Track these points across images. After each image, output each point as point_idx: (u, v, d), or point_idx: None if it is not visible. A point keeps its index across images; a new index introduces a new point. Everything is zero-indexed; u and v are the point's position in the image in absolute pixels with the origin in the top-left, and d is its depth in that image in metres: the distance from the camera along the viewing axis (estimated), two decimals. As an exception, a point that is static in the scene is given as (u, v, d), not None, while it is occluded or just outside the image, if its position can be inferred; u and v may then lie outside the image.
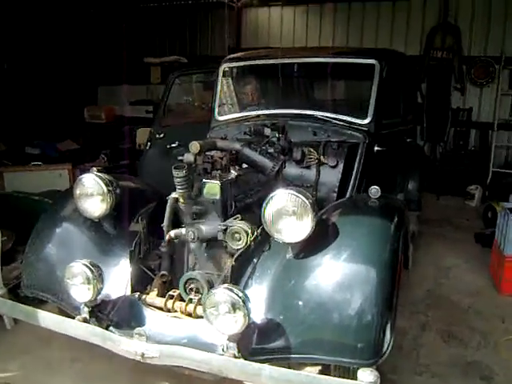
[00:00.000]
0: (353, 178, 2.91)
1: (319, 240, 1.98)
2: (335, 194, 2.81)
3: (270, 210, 1.93)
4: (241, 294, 1.72)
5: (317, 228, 1.94)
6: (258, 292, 1.98)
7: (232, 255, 2.13)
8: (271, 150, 2.85)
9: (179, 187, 2.18)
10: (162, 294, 2.17)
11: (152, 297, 2.16)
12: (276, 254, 2.07)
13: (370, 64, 3.10)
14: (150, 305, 2.13)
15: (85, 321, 2.00)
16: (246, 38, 8.35)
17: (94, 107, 7.07)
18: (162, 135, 4.30)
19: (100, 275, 1.99)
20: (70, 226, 2.35)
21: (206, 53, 8.55)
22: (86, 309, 2.02)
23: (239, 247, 2.13)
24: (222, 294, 1.73)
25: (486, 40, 7.01)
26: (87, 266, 1.95)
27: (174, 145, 4.13)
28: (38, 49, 6.92)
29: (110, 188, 2.21)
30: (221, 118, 3.49)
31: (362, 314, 1.81)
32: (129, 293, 2.15)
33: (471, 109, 7.14)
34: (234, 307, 1.71)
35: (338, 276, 1.90)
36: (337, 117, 3.11)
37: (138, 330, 1.86)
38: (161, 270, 2.26)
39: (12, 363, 2.62)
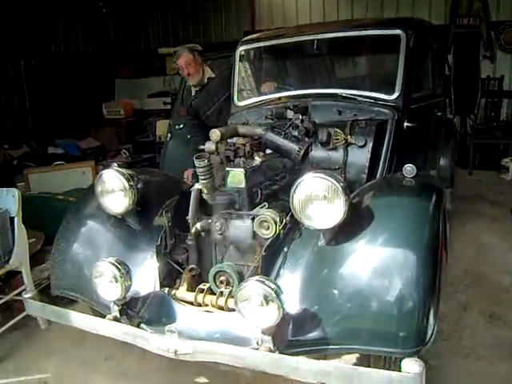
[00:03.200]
0: (383, 157, 2.77)
1: (353, 225, 1.87)
2: (365, 175, 2.68)
3: (298, 196, 1.82)
4: (273, 286, 1.63)
5: (350, 212, 1.83)
6: (291, 282, 1.89)
7: (261, 245, 2.04)
8: (295, 133, 2.74)
9: (202, 177, 2.10)
10: (191, 288, 2.10)
11: (182, 291, 2.10)
12: (307, 241, 1.98)
13: (396, 35, 2.92)
14: (180, 299, 2.07)
15: (115, 319, 1.96)
16: (260, 20, 8.14)
17: (112, 103, 7.04)
18: (181, 126, 4.23)
19: (127, 272, 1.94)
20: (94, 223, 2.30)
21: (220, 39, 8.39)
22: (116, 307, 1.98)
23: (268, 236, 2.04)
24: (254, 286, 1.64)
25: (515, 3, 6.63)
26: (113, 264, 1.90)
27: (193, 134, 4.04)
28: (54, 48, 6.94)
29: (132, 183, 2.14)
30: (240, 104, 3.38)
31: (402, 300, 1.70)
32: (158, 288, 2.10)
33: (502, 77, 6.79)
34: (267, 300, 1.63)
35: (375, 261, 1.78)
36: (362, 94, 2.96)
37: (169, 327, 1.80)
38: (189, 264, 2.20)
39: (47, 363, 2.64)
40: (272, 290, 1.62)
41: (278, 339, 1.72)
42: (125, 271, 1.92)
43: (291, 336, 1.77)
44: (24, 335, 2.81)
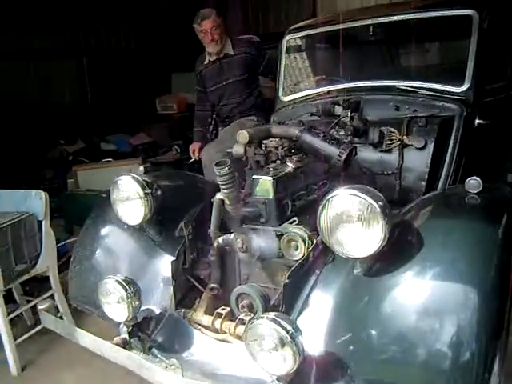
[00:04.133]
0: (447, 161, 2.35)
1: (397, 251, 1.53)
2: (424, 183, 2.30)
3: (326, 216, 1.51)
4: (289, 328, 1.35)
5: (395, 235, 1.51)
6: (318, 316, 1.59)
7: (290, 266, 1.76)
8: (342, 133, 2.41)
9: (223, 187, 1.85)
10: (210, 311, 1.88)
11: (199, 314, 1.88)
12: (341, 267, 1.66)
13: (466, 15, 2.45)
14: (196, 323, 1.86)
15: (124, 342, 1.78)
16: (322, 7, 7.64)
17: (165, 97, 6.93)
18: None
19: (136, 292, 1.75)
20: (112, 233, 2.15)
21: (279, 29, 7.99)
22: (125, 328, 1.81)
23: (296, 258, 1.75)
24: (266, 326, 1.37)
25: None
26: (120, 283, 1.72)
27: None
28: (112, 40, 7.01)
29: (147, 191, 1.93)
30: (286, 99, 3.08)
31: (458, 349, 1.35)
32: (173, 309, 1.90)
33: None
34: (282, 343, 1.35)
35: (425, 299, 1.44)
36: (425, 85, 2.54)
37: (172, 361, 1.59)
38: (210, 282, 1.97)
39: (69, 374, 2.55)
40: (287, 332, 1.33)
41: (298, 387, 1.44)
42: (133, 291, 1.74)
43: (314, 384, 1.48)
44: (52, 340, 2.72)
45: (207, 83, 3.76)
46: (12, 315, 2.63)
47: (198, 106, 3.98)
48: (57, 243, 3.39)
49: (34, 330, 2.62)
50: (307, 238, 1.73)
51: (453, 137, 2.38)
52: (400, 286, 1.48)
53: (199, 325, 1.85)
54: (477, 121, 2.47)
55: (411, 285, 1.47)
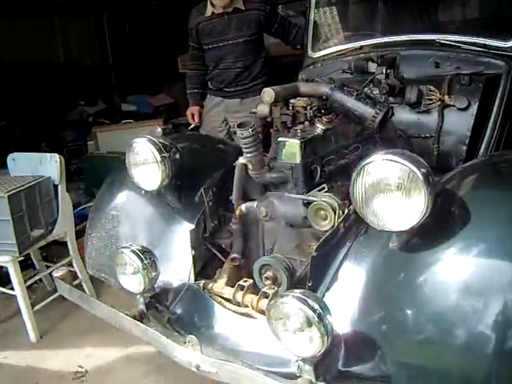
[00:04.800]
0: (491, 123, 2.14)
1: (439, 224, 1.37)
2: (465, 147, 2.11)
3: (362, 185, 1.35)
4: (317, 307, 1.23)
5: (436, 206, 1.33)
6: (349, 293, 1.47)
7: (318, 237, 1.63)
8: (376, 92, 2.22)
9: (246, 150, 1.71)
10: (232, 283, 1.78)
11: (220, 285, 1.78)
12: (375, 239, 1.51)
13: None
14: (217, 294, 1.77)
15: (140, 313, 1.71)
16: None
17: (186, 56, 6.66)
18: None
19: (153, 263, 1.66)
20: (128, 199, 2.03)
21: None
22: (142, 300, 1.73)
23: (325, 229, 1.61)
24: (292, 305, 1.25)
25: None
26: (136, 254, 1.63)
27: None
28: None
29: (165, 154, 1.80)
30: (315, 55, 2.85)
31: (502, 332, 1.20)
32: (192, 280, 1.80)
33: None
34: (309, 323, 1.24)
35: (468, 277, 1.28)
36: (469, 40, 2.29)
37: (190, 337, 1.48)
38: (232, 252, 1.87)
39: (88, 341, 2.53)
40: (315, 312, 1.21)
41: (324, 369, 1.33)
42: (150, 261, 1.65)
43: (342, 366, 1.37)
44: (71, 306, 2.63)
45: (204, 39, 3.26)
46: (30, 281, 2.61)
47: (193, 65, 3.51)
48: (77, 207, 3.36)
49: (51, 297, 2.59)
50: (337, 207, 1.58)
51: (499, 97, 2.16)
52: (440, 263, 1.33)
53: (220, 297, 1.75)
54: (527, 79, 2.23)
55: (453, 261, 1.32)
